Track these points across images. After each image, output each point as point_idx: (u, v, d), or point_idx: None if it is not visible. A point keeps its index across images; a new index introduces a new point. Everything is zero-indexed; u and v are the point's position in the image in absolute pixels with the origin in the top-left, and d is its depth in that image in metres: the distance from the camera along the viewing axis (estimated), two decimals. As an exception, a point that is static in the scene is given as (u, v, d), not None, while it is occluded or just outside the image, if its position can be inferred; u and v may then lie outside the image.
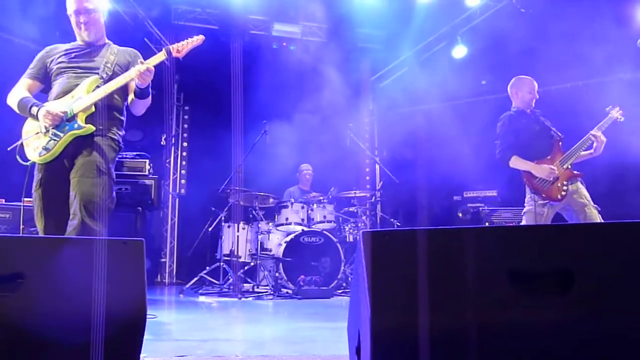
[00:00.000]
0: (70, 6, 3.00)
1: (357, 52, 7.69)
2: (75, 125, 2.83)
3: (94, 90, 2.89)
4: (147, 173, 5.27)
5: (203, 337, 2.80)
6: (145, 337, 1.52)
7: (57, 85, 2.97)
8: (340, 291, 5.42)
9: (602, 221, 3.62)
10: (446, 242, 1.40)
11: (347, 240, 5.98)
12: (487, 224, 6.36)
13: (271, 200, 6.15)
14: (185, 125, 7.87)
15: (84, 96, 2.87)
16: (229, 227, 5.93)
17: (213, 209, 6.14)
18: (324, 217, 5.89)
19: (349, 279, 5.63)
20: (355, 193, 6.24)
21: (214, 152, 6.82)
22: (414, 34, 7.28)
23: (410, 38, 7.42)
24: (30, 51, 6.20)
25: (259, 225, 5.81)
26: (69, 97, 2.89)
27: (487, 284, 1.36)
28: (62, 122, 2.83)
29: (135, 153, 5.41)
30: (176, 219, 7.57)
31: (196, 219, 6.90)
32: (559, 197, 3.72)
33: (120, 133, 3.05)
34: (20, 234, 4.48)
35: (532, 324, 1.33)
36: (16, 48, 5.92)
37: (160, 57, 2.98)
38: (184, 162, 7.82)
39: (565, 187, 3.74)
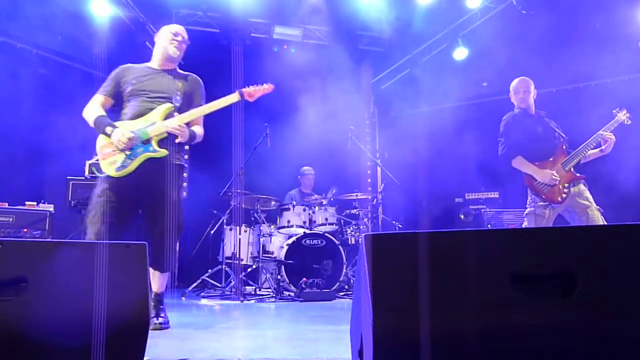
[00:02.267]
0: (171, 28, 3.44)
1: (357, 54, 7.70)
2: (151, 149, 3.15)
3: (166, 118, 3.20)
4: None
5: (205, 340, 2.80)
6: (148, 340, 1.52)
7: (131, 107, 3.24)
8: (342, 294, 5.42)
9: (605, 223, 3.61)
10: (448, 244, 1.40)
11: (349, 242, 5.97)
12: (489, 226, 6.36)
13: (273, 202, 6.15)
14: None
15: (158, 122, 3.17)
16: (230, 229, 5.93)
17: (215, 211, 6.14)
18: (326, 219, 5.89)
19: (351, 281, 5.62)
20: (357, 195, 6.23)
21: (216, 154, 6.82)
22: (414, 36, 7.30)
23: (411, 40, 7.44)
24: (32, 56, 6.22)
25: (261, 227, 5.81)
26: (143, 120, 3.18)
27: (489, 287, 1.36)
28: (137, 143, 3.13)
29: (184, 165, 5.43)
30: (178, 222, 7.56)
31: (198, 222, 6.89)
32: (559, 199, 3.72)
33: (185, 158, 3.47)
34: (23, 238, 4.49)
35: (534, 326, 1.33)
36: (18, 52, 5.95)
37: (232, 99, 3.37)
38: (185, 165, 7.82)
39: (566, 190, 3.73)
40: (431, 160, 7.22)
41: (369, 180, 8.48)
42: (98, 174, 3.16)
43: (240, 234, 5.74)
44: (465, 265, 1.37)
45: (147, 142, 3.15)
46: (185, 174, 3.38)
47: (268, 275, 5.62)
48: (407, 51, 7.72)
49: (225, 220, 6.00)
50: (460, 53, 7.14)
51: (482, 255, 1.38)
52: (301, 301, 4.93)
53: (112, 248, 1.51)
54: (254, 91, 3.43)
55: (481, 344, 1.32)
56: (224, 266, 5.77)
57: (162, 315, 3.21)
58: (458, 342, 1.33)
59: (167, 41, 3.39)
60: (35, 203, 5.11)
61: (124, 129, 3.12)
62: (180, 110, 3.28)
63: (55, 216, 5.17)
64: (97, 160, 3.18)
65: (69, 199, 5.28)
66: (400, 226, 6.33)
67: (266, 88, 3.47)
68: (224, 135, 6.64)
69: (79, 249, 1.53)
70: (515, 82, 4.10)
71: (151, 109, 3.20)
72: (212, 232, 6.09)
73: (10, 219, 4.87)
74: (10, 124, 5.48)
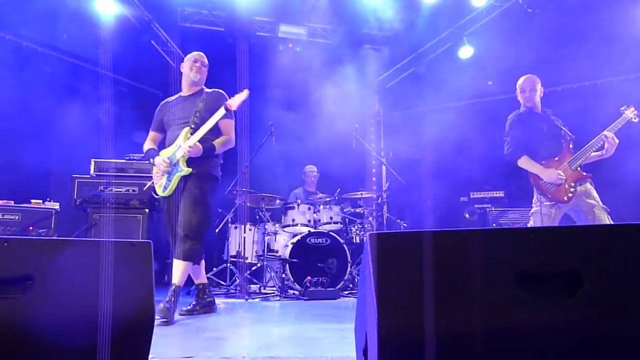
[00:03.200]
0: (191, 56, 3.91)
1: (363, 52, 7.69)
2: (179, 169, 3.64)
3: (188, 139, 3.65)
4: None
5: (210, 338, 2.81)
6: (152, 338, 1.53)
7: (167, 136, 3.85)
8: (347, 292, 5.42)
9: (611, 222, 3.59)
10: (453, 243, 1.40)
11: (354, 241, 5.97)
12: (494, 225, 6.34)
13: (277, 201, 6.16)
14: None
15: (182, 145, 3.65)
16: (235, 228, 5.94)
17: (220, 210, 6.15)
18: (331, 218, 5.89)
19: (356, 280, 5.62)
20: (361, 194, 6.23)
21: (223, 154, 6.83)
22: (420, 34, 7.28)
23: (416, 39, 7.42)
24: (38, 54, 6.24)
25: (266, 226, 5.82)
26: (174, 145, 3.71)
27: (494, 286, 1.36)
28: (172, 166, 3.68)
29: (142, 154, 5.43)
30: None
31: (203, 220, 6.89)
32: (565, 198, 3.70)
33: (217, 167, 3.83)
34: (29, 236, 4.51)
35: (540, 326, 1.33)
36: (23, 51, 5.96)
37: (220, 113, 3.68)
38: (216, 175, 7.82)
39: (572, 189, 3.72)
40: (436, 159, 7.21)
41: (374, 179, 8.48)
42: (155, 196, 3.85)
43: (245, 232, 5.75)
44: (471, 265, 1.36)
45: (176, 164, 3.66)
46: (214, 183, 3.81)
47: (273, 274, 5.63)
48: (412, 49, 7.71)
49: (230, 219, 6.01)
50: (466, 51, 7.12)
51: (487, 255, 1.37)
52: (306, 300, 4.94)
53: (118, 246, 1.51)
54: (234, 100, 3.72)
55: (486, 344, 1.32)
56: (228, 264, 5.78)
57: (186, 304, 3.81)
58: (463, 341, 1.32)
59: (188, 69, 3.87)
60: (41, 201, 5.11)
61: (160, 157, 3.74)
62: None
63: (61, 214, 5.18)
64: (151, 184, 3.86)
65: (75, 197, 5.29)
66: (405, 225, 6.32)
67: (243, 95, 3.73)
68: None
69: (84, 247, 1.54)
70: (521, 80, 4.08)
71: (178, 135, 3.70)
72: (217, 230, 6.10)
73: (16, 217, 4.89)
74: (15, 122, 5.51)
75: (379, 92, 8.65)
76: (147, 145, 3.93)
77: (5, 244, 1.46)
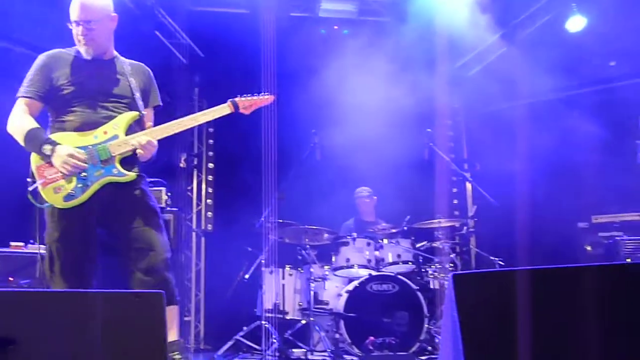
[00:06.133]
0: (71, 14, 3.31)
1: (432, 32, 7.67)
2: (115, 171, 3.21)
3: (129, 129, 3.30)
4: (163, 205, 5.40)
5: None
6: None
7: (77, 115, 3.27)
8: (424, 358, 5.35)
9: None
10: (563, 285, 1.38)
11: (431, 286, 5.91)
12: (628, 260, 6.13)
13: (325, 235, 6.18)
14: (210, 141, 8.05)
15: (121, 135, 3.25)
16: (270, 273, 5.98)
17: (249, 249, 6.23)
18: (398, 256, 5.85)
19: (436, 340, 5.53)
20: (439, 222, 6.16)
21: (246, 173, 6.93)
22: (510, 3, 7.20)
23: (505, 9, 7.34)
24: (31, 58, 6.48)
25: (311, 269, 5.83)
26: (100, 132, 3.25)
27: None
28: (96, 165, 3.18)
29: (148, 180, 5.58)
30: (202, 264, 7.72)
31: (228, 264, 6.99)
32: None
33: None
34: (9, 288, 4.69)
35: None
36: (16, 57, 6.25)
37: (222, 110, 3.47)
38: (209, 190, 7.99)
39: None
40: (541, 171, 7.05)
41: (456, 201, 8.37)
42: (38, 205, 3.20)
43: (283, 278, 5.78)
44: (585, 311, 1.34)
45: (107, 162, 3.22)
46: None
47: (323, 334, 5.61)
48: (501, 24, 7.62)
49: (263, 261, 6.06)
50: (576, 23, 6.99)
51: (611, 296, 1.34)
52: (368, 368, 4.91)
53: (120, 298, 1.56)
54: (250, 103, 3.53)
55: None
56: (263, 322, 5.80)
57: None
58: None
59: (75, 38, 3.40)
60: (22, 244, 5.29)
61: (70, 147, 3.16)
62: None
63: (46, 260, 5.34)
64: (36, 186, 3.19)
65: (64, 237, 5.45)
66: (502, 263, 6.19)
67: (265, 99, 3.57)
68: (255, 147, 6.76)
69: (78, 301, 1.59)
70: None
71: (108, 118, 3.29)
72: (246, 276, 6.16)
73: (-8, 265, 5.08)
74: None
75: (458, 85, 8.58)
76: (25, 120, 3.26)
77: (-19, 297, 1.53)
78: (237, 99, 3.50)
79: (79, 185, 3.15)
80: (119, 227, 3.28)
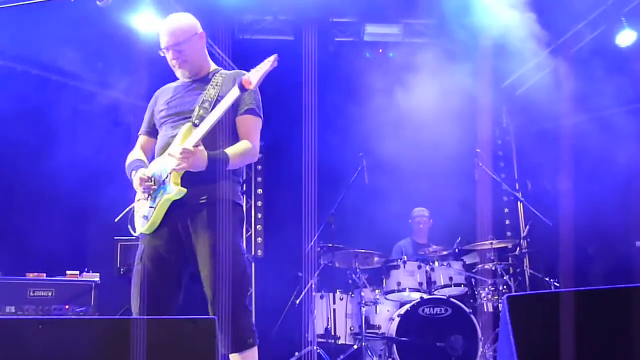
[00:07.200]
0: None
1: (479, 50, 7.62)
2: (168, 189, 2.94)
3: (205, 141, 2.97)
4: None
5: None
6: None
7: (159, 138, 3.22)
8: (480, 382, 5.25)
9: None
10: (621, 306, 1.34)
11: (485, 309, 5.81)
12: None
13: (376, 259, 6.15)
14: (259, 167, 8.13)
15: (175, 149, 3.01)
16: (321, 297, 5.98)
17: (300, 274, 6.24)
18: (450, 279, 5.80)
19: (492, 364, 5.44)
20: (491, 244, 6.08)
21: (298, 198, 6.96)
22: (557, 19, 7.12)
23: (552, 25, 7.25)
24: (69, 89, 6.68)
25: (362, 293, 5.81)
26: (167, 154, 3.02)
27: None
28: (159, 185, 2.99)
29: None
30: (252, 290, 7.75)
31: (278, 289, 7.02)
32: None
33: (236, 190, 3.18)
34: (66, 316, 4.77)
35: None
36: (54, 86, 6.44)
37: (234, 93, 2.98)
38: (259, 215, 8.05)
39: None
40: (597, 189, 6.89)
41: (508, 221, 8.25)
42: (132, 233, 3.16)
43: (334, 302, 5.76)
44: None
45: (165, 182, 2.98)
46: (239, 213, 3.18)
47: (375, 359, 5.57)
48: (550, 40, 7.53)
49: (314, 286, 6.06)
50: (626, 37, 6.87)
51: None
52: (423, 394, 4.84)
53: (175, 324, 1.58)
54: (253, 74, 2.97)
55: None
56: (315, 347, 5.79)
57: None
58: None
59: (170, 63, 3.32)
60: (77, 272, 5.41)
61: (142, 170, 3.08)
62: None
63: (101, 287, 5.43)
64: (127, 210, 3.18)
65: (118, 265, 5.57)
66: (557, 285, 6.06)
67: (266, 64, 2.97)
68: (304, 169, 6.79)
69: (133, 328, 1.61)
70: None
71: (173, 137, 3.08)
72: (297, 301, 6.17)
73: (49, 293, 5.20)
74: (46, 176, 5.92)
75: (507, 103, 8.50)
76: (133, 155, 3.29)
77: (40, 325, 1.57)
78: (242, 78, 2.95)
79: (150, 207, 3.01)
80: (191, 249, 3.04)
